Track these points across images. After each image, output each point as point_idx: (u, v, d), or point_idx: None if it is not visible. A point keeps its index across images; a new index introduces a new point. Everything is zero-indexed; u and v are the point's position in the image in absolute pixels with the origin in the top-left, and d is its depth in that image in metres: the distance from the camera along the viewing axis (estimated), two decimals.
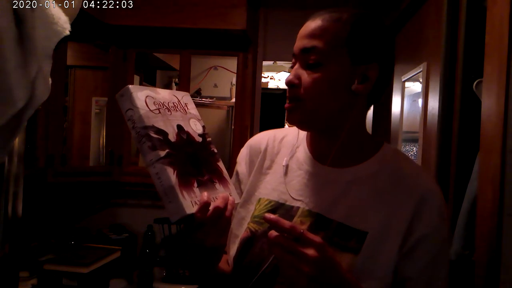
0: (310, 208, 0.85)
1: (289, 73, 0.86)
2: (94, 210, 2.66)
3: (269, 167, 0.94)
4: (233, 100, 2.78)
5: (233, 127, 2.71)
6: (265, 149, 0.96)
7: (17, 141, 0.76)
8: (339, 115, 0.84)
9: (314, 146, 0.91)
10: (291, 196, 0.88)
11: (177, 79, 2.99)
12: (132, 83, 2.47)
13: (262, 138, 0.99)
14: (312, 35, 0.82)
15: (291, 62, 0.88)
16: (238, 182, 0.98)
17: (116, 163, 2.41)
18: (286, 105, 0.85)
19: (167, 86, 3.24)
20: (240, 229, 0.91)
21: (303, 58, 0.82)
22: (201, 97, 3.16)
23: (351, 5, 2.71)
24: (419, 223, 0.80)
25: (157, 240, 2.57)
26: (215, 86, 3.28)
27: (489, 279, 0.99)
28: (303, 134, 0.95)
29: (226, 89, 3.29)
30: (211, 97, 3.21)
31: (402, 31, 2.34)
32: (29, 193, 0.98)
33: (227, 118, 3.23)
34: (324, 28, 0.81)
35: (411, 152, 2.01)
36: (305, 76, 0.82)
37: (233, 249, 0.90)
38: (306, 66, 0.82)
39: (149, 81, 3.02)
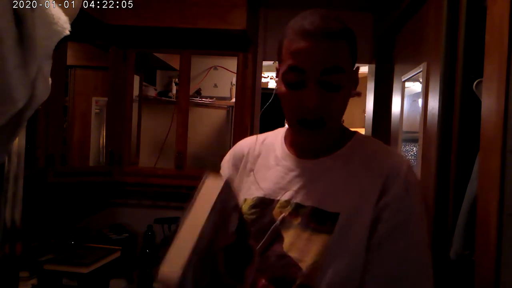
0: (288, 199, 0.90)
1: (286, 83, 0.84)
2: (94, 210, 2.66)
3: (251, 169, 0.99)
4: (233, 100, 2.78)
5: (233, 127, 2.71)
6: (247, 153, 1.01)
7: (17, 141, 0.76)
8: (341, 121, 0.91)
9: (293, 143, 0.96)
10: (271, 191, 0.92)
11: (177, 79, 2.99)
12: (132, 83, 2.47)
13: (244, 144, 1.04)
14: (332, 56, 0.80)
15: None
16: None
17: (116, 163, 2.41)
18: (310, 131, 0.85)
19: (167, 86, 3.24)
20: None
21: (320, 79, 0.81)
22: (201, 97, 3.16)
23: (351, 5, 2.71)
24: (384, 196, 0.83)
25: (157, 240, 2.57)
26: (215, 86, 3.27)
27: (489, 279, 0.99)
28: (281, 134, 1.01)
29: (226, 89, 3.29)
30: (211, 97, 3.20)
31: (402, 31, 2.33)
32: (29, 193, 0.98)
33: (227, 118, 3.22)
34: (340, 50, 0.81)
35: (411, 152, 2.01)
36: (329, 100, 0.82)
37: None
38: (325, 87, 0.81)
39: (149, 81, 3.02)
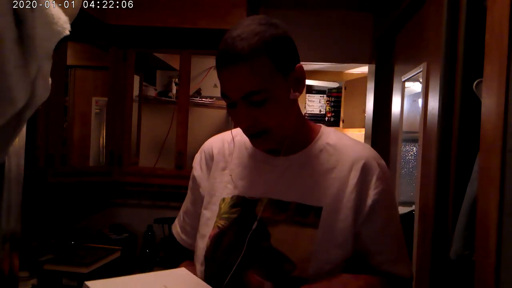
0: (269, 197, 0.92)
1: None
2: (94, 210, 2.66)
3: (224, 168, 0.99)
4: None
5: (233, 127, 2.71)
6: (218, 152, 1.02)
7: (17, 141, 0.76)
8: (290, 122, 0.91)
9: None
10: (250, 189, 0.94)
11: (177, 79, 2.99)
12: (132, 83, 2.47)
13: (214, 143, 1.05)
14: (245, 81, 0.82)
15: None
16: (197, 186, 1.03)
17: (116, 163, 2.41)
18: (250, 138, 0.90)
19: (167, 86, 3.24)
20: (207, 228, 0.95)
21: (245, 100, 0.84)
22: (201, 97, 3.16)
23: (351, 5, 2.71)
24: (368, 190, 0.90)
25: (157, 240, 2.57)
26: (215, 86, 3.27)
27: (489, 279, 0.99)
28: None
29: None
30: (211, 97, 3.20)
31: (402, 31, 2.34)
32: (29, 193, 0.98)
33: (227, 118, 3.22)
34: (252, 71, 0.81)
35: (411, 152, 2.02)
36: (258, 113, 0.84)
37: (201, 247, 0.95)
38: (251, 104, 0.84)
39: (149, 81, 3.02)
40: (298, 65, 0.88)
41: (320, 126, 1.00)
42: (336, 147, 0.94)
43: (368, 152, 0.94)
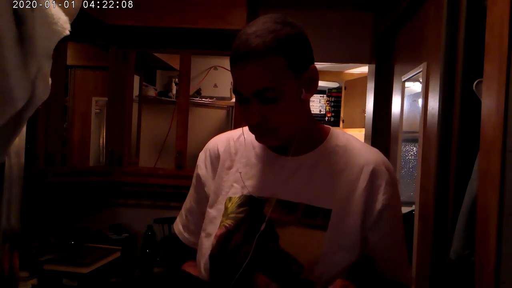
0: (278, 197, 0.91)
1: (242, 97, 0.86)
2: (94, 210, 2.66)
3: (230, 167, 0.99)
4: (233, 100, 2.78)
5: (233, 127, 2.71)
6: (223, 151, 1.01)
7: (17, 141, 0.76)
8: (297, 122, 0.91)
9: None
10: (258, 189, 0.93)
11: (177, 79, 2.99)
12: (132, 83, 2.47)
13: (218, 141, 1.04)
14: (257, 77, 0.83)
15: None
16: (201, 184, 1.03)
17: (116, 163, 2.41)
18: (257, 134, 0.90)
19: (167, 86, 3.24)
20: (213, 227, 0.94)
21: (256, 97, 0.84)
22: (201, 97, 3.16)
23: (351, 5, 2.71)
24: (377, 195, 0.90)
25: (157, 240, 2.57)
26: (215, 86, 3.27)
27: (489, 279, 0.99)
28: None
29: (226, 89, 3.29)
30: (211, 97, 3.21)
31: (402, 31, 2.34)
32: (29, 193, 0.98)
33: (227, 118, 3.23)
34: (265, 68, 0.82)
35: (411, 152, 2.02)
36: (268, 111, 0.85)
37: (207, 246, 0.94)
38: (262, 101, 0.84)
39: (149, 81, 3.02)
40: (312, 65, 0.88)
41: (330, 128, 0.99)
42: (346, 149, 0.94)
43: (377, 156, 0.94)
